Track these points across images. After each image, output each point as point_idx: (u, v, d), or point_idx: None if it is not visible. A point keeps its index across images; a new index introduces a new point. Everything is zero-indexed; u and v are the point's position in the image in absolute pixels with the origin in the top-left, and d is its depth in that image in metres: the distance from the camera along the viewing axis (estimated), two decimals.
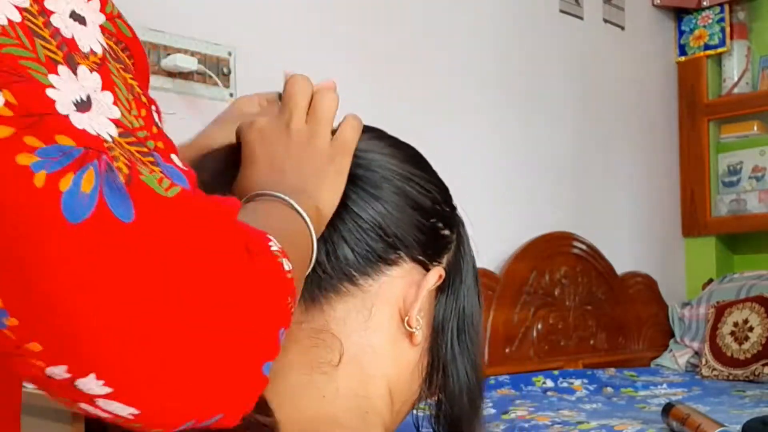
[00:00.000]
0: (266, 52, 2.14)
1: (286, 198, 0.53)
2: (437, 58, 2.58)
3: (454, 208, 0.67)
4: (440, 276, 0.62)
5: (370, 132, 0.64)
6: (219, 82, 1.99)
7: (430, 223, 0.62)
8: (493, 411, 2.12)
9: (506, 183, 2.75)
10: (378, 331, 0.60)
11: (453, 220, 0.66)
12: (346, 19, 2.34)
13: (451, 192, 0.68)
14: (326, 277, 0.58)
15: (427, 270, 0.62)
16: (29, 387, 1.47)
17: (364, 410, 0.59)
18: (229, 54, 2.04)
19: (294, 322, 0.58)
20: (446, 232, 0.64)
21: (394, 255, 0.60)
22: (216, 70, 1.99)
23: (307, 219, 0.52)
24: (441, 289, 0.63)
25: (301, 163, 0.58)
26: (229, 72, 2.03)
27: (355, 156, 0.60)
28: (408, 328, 0.61)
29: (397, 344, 0.61)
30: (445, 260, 0.64)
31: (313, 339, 0.59)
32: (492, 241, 2.63)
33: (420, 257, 0.61)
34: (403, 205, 0.60)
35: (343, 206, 0.59)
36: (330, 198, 0.57)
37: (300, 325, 0.58)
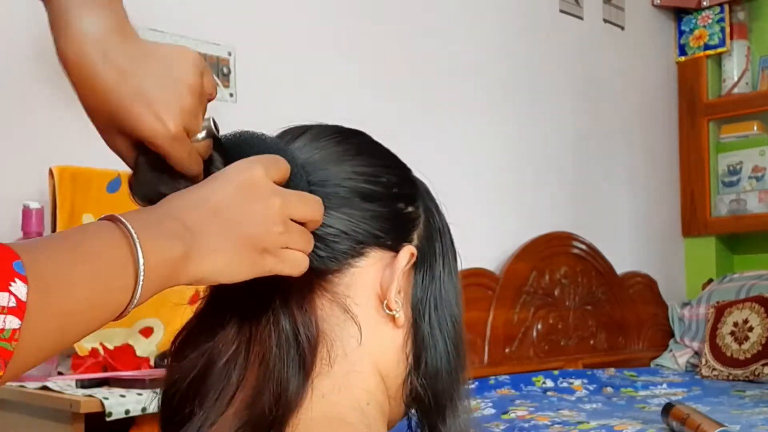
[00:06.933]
0: (266, 52, 2.14)
1: (131, 231, 0.47)
2: (437, 58, 2.57)
3: (413, 183, 0.67)
4: (412, 254, 0.63)
5: (305, 136, 0.64)
6: (219, 82, 1.99)
7: (389, 209, 0.63)
8: (492, 411, 2.11)
9: (506, 183, 2.75)
10: (359, 323, 0.61)
11: (414, 195, 0.66)
12: (345, 19, 2.34)
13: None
14: (301, 286, 0.59)
15: (398, 251, 0.63)
16: (29, 387, 1.47)
17: (364, 402, 0.61)
18: (229, 54, 2.04)
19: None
20: (410, 209, 0.65)
21: (359, 248, 0.61)
22: (216, 70, 2.00)
23: (141, 265, 0.47)
24: (416, 266, 0.64)
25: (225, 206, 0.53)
26: (229, 72, 2.03)
27: (301, 171, 0.60)
28: (388, 311, 0.62)
29: (381, 330, 0.62)
30: (416, 236, 0.65)
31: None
32: (492, 241, 2.63)
33: (388, 243, 0.62)
34: (358, 203, 0.61)
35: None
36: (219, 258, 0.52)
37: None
